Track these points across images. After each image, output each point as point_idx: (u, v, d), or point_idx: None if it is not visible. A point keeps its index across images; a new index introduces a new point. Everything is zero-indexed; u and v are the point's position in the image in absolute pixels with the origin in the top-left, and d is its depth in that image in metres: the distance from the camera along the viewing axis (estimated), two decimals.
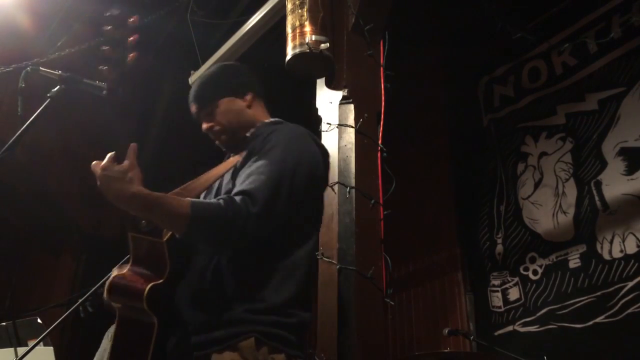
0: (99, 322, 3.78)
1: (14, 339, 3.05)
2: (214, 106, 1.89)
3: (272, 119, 1.92)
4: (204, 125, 1.91)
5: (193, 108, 1.94)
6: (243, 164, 1.70)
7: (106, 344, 3.48)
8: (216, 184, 1.79)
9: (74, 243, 5.79)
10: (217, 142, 1.93)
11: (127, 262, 2.07)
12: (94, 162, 1.48)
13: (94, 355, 3.54)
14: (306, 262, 1.72)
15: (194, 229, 1.48)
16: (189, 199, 1.52)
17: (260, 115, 1.93)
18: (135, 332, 1.53)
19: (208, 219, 1.49)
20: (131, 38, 1.44)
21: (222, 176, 1.76)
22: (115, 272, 1.64)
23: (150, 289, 1.49)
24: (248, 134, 1.87)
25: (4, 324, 3.14)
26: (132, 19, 1.43)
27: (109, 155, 1.49)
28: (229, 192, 1.66)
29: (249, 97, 1.92)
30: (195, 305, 1.57)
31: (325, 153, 1.87)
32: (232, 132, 1.88)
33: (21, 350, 2.89)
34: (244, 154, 1.75)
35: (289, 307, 1.60)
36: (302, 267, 1.69)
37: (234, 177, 1.70)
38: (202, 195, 1.74)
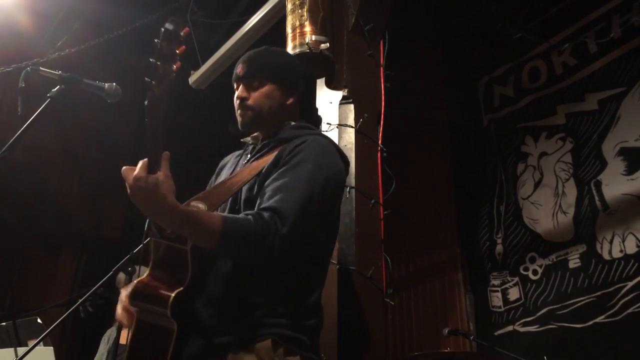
0: (99, 322, 3.79)
1: (14, 339, 3.05)
2: (261, 84, 1.85)
3: (298, 123, 1.89)
4: (240, 92, 1.86)
5: (240, 68, 1.89)
6: (268, 172, 1.68)
7: (103, 348, 3.49)
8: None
9: (74, 243, 5.79)
10: (237, 114, 1.87)
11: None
12: (125, 168, 1.42)
13: (93, 356, 3.55)
14: (323, 270, 1.76)
15: (224, 245, 1.48)
16: (219, 214, 1.52)
17: (290, 118, 1.91)
18: (153, 336, 1.54)
19: (238, 236, 1.48)
20: (179, 49, 1.42)
21: (246, 183, 1.73)
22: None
23: (175, 296, 1.49)
24: (271, 131, 1.85)
25: (4, 324, 3.14)
26: (184, 31, 1.41)
27: (141, 163, 1.42)
28: (250, 199, 1.66)
29: (292, 99, 1.91)
30: (214, 309, 1.57)
31: (347, 163, 1.87)
32: (258, 115, 1.84)
33: (21, 350, 2.89)
34: (269, 158, 1.72)
35: (306, 311, 1.62)
36: (319, 274, 1.73)
37: (257, 185, 1.68)
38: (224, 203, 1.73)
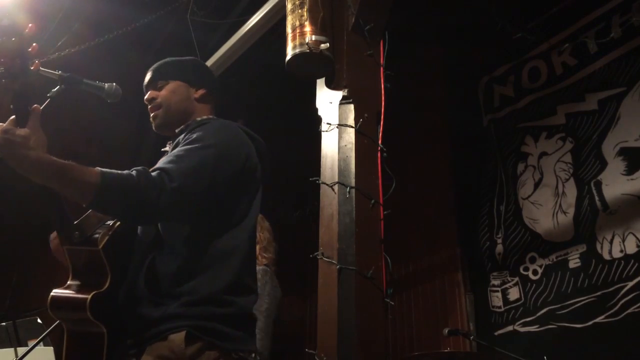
0: None
1: (14, 339, 3.06)
2: (165, 83, 1.92)
3: (203, 117, 1.90)
4: (148, 95, 1.93)
5: (147, 77, 1.97)
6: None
7: None
8: None
9: None
10: (151, 118, 1.93)
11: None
12: None
13: None
14: (241, 250, 1.67)
15: (103, 197, 1.43)
16: (99, 168, 1.46)
17: (203, 113, 1.92)
18: (86, 345, 1.50)
19: (118, 187, 1.44)
20: (31, 47, 1.42)
21: None
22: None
23: (92, 297, 1.46)
24: (177, 130, 1.87)
25: (4, 324, 3.14)
26: (28, 28, 1.40)
27: (10, 118, 1.40)
28: None
29: (200, 91, 1.94)
30: (133, 306, 1.55)
31: (261, 146, 1.85)
32: (168, 112, 1.89)
33: (21, 350, 2.90)
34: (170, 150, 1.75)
35: (224, 295, 1.56)
36: (236, 254, 1.65)
37: None
38: None
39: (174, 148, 1.73)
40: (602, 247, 3.79)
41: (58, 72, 1.95)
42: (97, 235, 1.58)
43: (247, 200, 1.76)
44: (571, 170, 4.16)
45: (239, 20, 4.65)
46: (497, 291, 4.32)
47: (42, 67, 1.97)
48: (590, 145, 4.08)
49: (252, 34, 4.26)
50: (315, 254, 2.66)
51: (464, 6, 4.73)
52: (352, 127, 2.85)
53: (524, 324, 4.05)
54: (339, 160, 2.78)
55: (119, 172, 1.48)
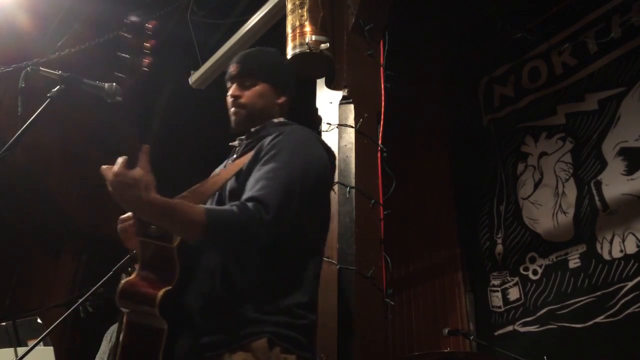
0: (99, 322, 3.78)
1: (14, 339, 3.06)
2: (254, 83, 1.88)
3: (280, 119, 1.90)
4: (233, 90, 1.89)
5: (234, 68, 1.91)
6: (250, 167, 1.69)
7: (105, 345, 3.49)
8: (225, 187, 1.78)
9: (74, 243, 5.79)
10: (230, 112, 1.90)
11: (132, 261, 2.04)
12: (104, 167, 1.42)
13: (94, 356, 3.55)
14: (316, 266, 1.72)
15: (210, 236, 1.47)
16: (202, 206, 1.51)
17: (280, 117, 1.92)
18: (144, 337, 1.52)
19: (223, 226, 1.48)
20: (148, 44, 1.43)
21: (229, 179, 1.74)
22: (123, 276, 1.61)
23: (164, 294, 1.48)
24: (253, 130, 1.86)
25: (4, 324, 3.14)
26: (150, 25, 1.42)
27: (120, 160, 1.42)
28: (234, 194, 1.66)
29: (283, 98, 1.92)
30: (206, 307, 1.56)
31: (332, 155, 1.86)
32: (251, 113, 1.87)
33: (21, 350, 2.90)
34: (250, 155, 1.73)
35: (300, 309, 1.60)
36: (312, 270, 1.69)
37: (239, 181, 1.69)
38: (210, 200, 1.72)
39: (255, 158, 1.71)
40: (602, 247, 3.79)
41: (58, 72, 1.95)
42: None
43: (325, 214, 1.79)
44: (571, 170, 4.16)
45: (239, 20, 4.65)
46: (497, 291, 4.32)
47: (42, 67, 1.97)
48: (590, 145, 4.08)
49: (252, 34, 4.26)
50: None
51: (464, 6, 4.73)
52: (352, 127, 2.86)
53: (524, 324, 4.05)
54: (339, 160, 2.78)
55: (222, 209, 1.53)
